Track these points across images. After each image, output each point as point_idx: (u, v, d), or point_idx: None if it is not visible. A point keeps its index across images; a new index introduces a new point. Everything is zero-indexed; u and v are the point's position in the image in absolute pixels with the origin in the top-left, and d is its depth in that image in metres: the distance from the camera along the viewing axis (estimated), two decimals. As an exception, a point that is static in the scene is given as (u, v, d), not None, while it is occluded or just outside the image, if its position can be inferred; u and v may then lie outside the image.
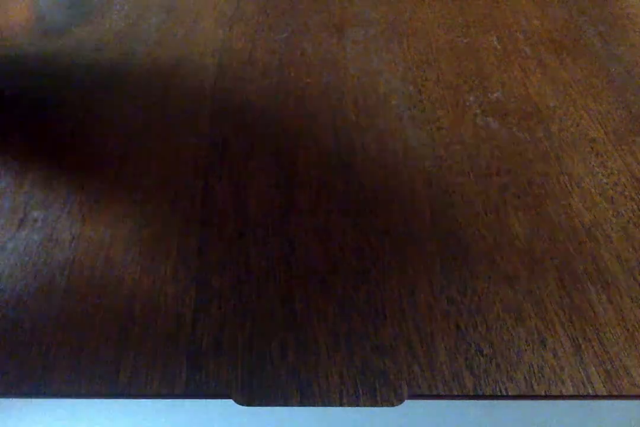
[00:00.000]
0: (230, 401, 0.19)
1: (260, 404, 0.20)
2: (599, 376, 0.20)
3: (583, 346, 0.21)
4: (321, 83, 0.31)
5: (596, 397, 0.20)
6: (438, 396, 0.20)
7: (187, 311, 0.22)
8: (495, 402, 0.20)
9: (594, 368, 0.21)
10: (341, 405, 0.20)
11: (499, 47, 0.34)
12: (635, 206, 0.26)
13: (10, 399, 0.19)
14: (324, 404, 0.20)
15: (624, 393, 0.20)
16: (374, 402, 0.20)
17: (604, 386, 0.20)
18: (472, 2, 0.37)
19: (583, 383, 0.20)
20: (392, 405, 0.20)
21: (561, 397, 0.20)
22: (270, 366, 0.20)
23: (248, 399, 0.20)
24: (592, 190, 0.27)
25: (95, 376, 0.20)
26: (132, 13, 0.36)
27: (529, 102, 0.31)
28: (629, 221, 0.25)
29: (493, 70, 0.32)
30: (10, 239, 0.24)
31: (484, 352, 0.21)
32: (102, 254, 0.24)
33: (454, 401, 0.20)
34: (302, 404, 0.20)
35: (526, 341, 0.21)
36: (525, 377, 0.20)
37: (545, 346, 0.21)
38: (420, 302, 0.22)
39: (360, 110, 0.30)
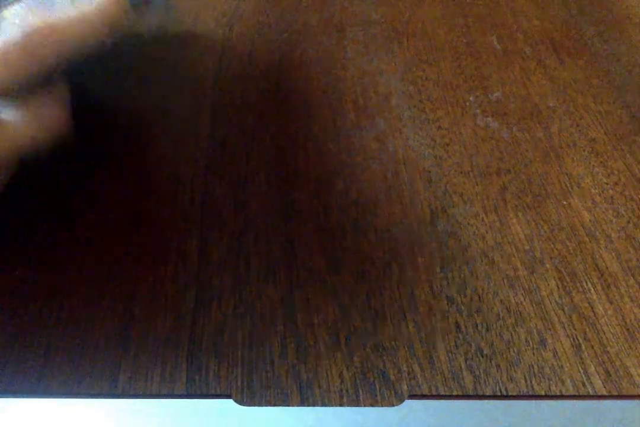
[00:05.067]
0: (230, 401, 0.19)
1: (260, 404, 0.20)
2: (599, 376, 0.20)
3: (583, 346, 0.21)
4: (321, 83, 0.31)
5: (596, 397, 0.20)
6: (438, 396, 0.20)
7: (187, 311, 0.22)
8: (495, 402, 0.20)
9: (594, 368, 0.21)
10: (341, 405, 0.20)
11: (499, 47, 0.34)
12: (635, 206, 0.26)
13: (10, 399, 0.19)
14: (324, 404, 0.20)
15: (624, 393, 0.20)
16: (374, 402, 0.20)
17: (604, 386, 0.20)
18: (472, 2, 0.37)
19: (583, 383, 0.20)
20: (392, 405, 0.20)
21: (561, 397, 0.20)
22: (270, 366, 0.20)
23: (248, 399, 0.20)
24: (592, 190, 0.27)
25: (95, 376, 0.20)
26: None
27: (529, 102, 0.31)
28: (629, 221, 0.25)
29: (493, 70, 0.32)
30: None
31: (484, 352, 0.21)
32: (102, 253, 0.24)
33: (454, 401, 0.20)
34: (302, 404, 0.20)
35: (526, 341, 0.21)
36: (525, 377, 0.20)
37: (545, 346, 0.21)
38: (420, 302, 0.22)
39: (360, 110, 0.30)
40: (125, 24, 0.23)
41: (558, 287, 0.23)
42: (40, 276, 0.23)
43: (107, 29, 0.22)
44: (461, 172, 0.27)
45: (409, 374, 0.20)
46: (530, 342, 0.21)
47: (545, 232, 0.25)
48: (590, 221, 0.25)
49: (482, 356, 0.21)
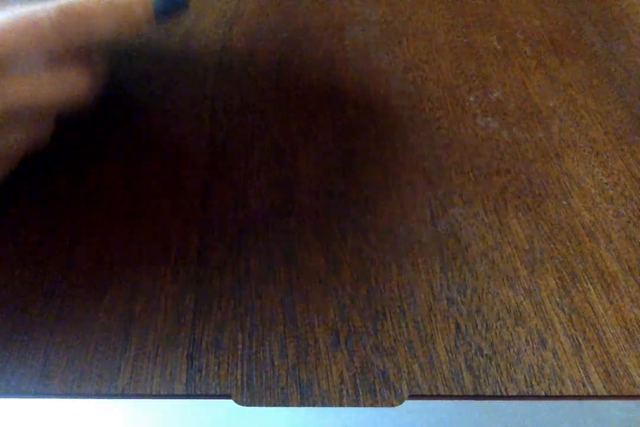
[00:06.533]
0: (230, 401, 0.19)
1: (260, 404, 0.20)
2: (599, 376, 0.20)
3: (583, 346, 0.21)
4: (321, 83, 0.31)
5: (596, 397, 0.20)
6: (438, 396, 0.20)
7: (187, 311, 0.22)
8: (495, 402, 0.20)
9: (594, 368, 0.21)
10: (341, 405, 0.20)
11: (499, 47, 0.34)
12: (635, 206, 0.26)
13: (10, 399, 0.19)
14: (324, 404, 0.20)
15: (624, 393, 0.20)
16: (374, 402, 0.20)
17: (604, 386, 0.20)
18: (472, 2, 0.37)
19: (583, 383, 0.20)
20: (392, 405, 0.20)
21: (561, 397, 0.20)
22: (270, 366, 0.21)
23: (248, 399, 0.20)
24: (592, 190, 0.27)
25: (95, 376, 0.20)
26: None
27: (529, 102, 0.31)
28: (629, 221, 0.25)
29: (493, 70, 0.32)
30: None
31: (484, 352, 0.21)
32: (102, 254, 0.24)
33: (454, 401, 0.20)
34: (302, 404, 0.20)
35: (526, 341, 0.21)
36: (525, 377, 0.20)
37: (545, 346, 0.21)
38: (420, 302, 0.22)
39: (360, 110, 0.30)
40: (146, 17, 0.23)
41: (558, 287, 0.23)
42: (40, 275, 0.23)
43: (130, 21, 0.23)
44: (461, 172, 0.27)
45: (409, 374, 0.20)
46: (530, 342, 0.21)
47: (545, 232, 0.25)
48: (590, 221, 0.25)
49: (482, 356, 0.21)
